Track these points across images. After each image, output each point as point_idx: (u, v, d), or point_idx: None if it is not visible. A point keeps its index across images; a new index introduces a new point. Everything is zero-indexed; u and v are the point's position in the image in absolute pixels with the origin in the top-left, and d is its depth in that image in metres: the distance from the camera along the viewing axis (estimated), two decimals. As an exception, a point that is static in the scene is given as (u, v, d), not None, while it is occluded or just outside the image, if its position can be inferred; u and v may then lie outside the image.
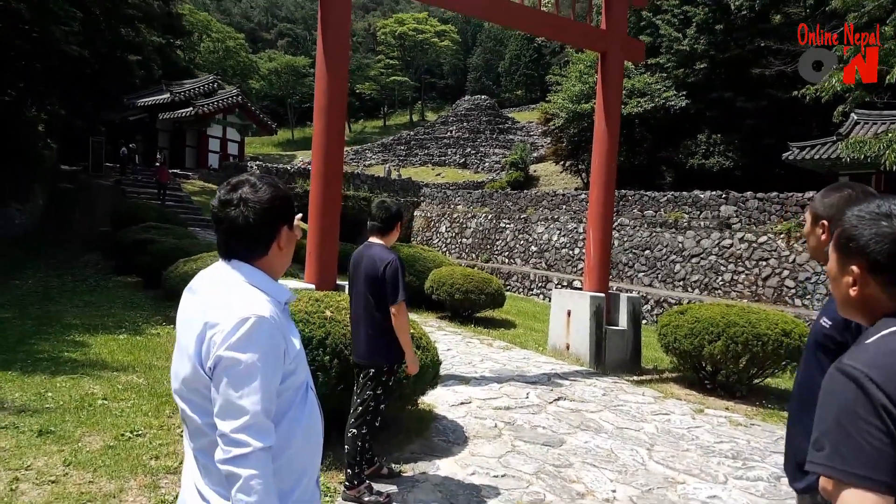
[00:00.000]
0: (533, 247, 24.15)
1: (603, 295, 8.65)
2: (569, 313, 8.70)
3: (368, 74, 61.07)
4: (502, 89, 65.71)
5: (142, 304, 9.90)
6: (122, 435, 4.54)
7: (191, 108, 26.95)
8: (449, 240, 28.35)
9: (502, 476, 4.48)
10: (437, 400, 6.12)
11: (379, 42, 64.79)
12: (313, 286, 6.24)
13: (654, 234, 18.93)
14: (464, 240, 27.51)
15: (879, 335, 1.21)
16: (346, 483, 3.93)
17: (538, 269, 22.98)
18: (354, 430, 3.87)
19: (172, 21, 31.73)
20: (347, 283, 4.25)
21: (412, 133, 48.39)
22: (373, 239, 4.02)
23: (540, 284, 20.93)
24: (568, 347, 8.68)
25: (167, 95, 27.93)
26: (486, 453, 4.89)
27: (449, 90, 70.07)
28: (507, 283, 21.92)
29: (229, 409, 1.37)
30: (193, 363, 1.43)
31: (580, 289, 9.33)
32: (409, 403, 5.08)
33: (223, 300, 1.46)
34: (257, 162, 29.70)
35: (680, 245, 17.95)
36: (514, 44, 62.89)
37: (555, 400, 6.53)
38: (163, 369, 6.38)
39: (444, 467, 4.54)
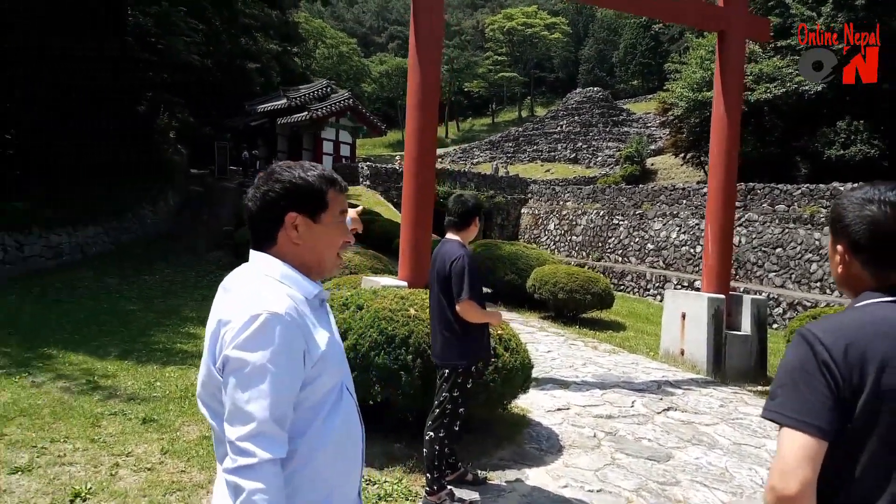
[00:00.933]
0: (649, 244, 22.98)
1: (723, 296, 7.90)
2: (683, 316, 8.03)
3: (476, 72, 61.16)
4: (616, 80, 63.50)
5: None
6: (218, 427, 4.60)
7: (306, 113, 28.06)
8: (557, 237, 27.64)
9: (598, 491, 4.08)
10: (533, 404, 5.77)
11: (487, 39, 64.68)
12: (406, 283, 6.11)
13: (787, 230, 17.35)
14: (573, 237, 26.71)
15: (851, 307, 1.38)
16: (427, 488, 3.73)
17: (655, 268, 21.80)
18: (431, 434, 3.67)
19: (289, 29, 33.29)
20: (429, 282, 4.06)
21: (520, 129, 47.81)
22: (449, 235, 3.83)
23: (657, 285, 19.81)
24: (682, 353, 8.00)
25: (284, 101, 29.26)
26: (582, 465, 4.50)
27: (559, 84, 68.62)
28: (620, 283, 21.00)
29: (236, 414, 1.25)
30: (208, 364, 1.34)
31: (700, 289, 8.60)
32: (498, 407, 4.78)
33: (239, 295, 1.35)
34: (367, 163, 30.46)
35: (817, 243, 16.31)
36: (629, 32, 60.56)
37: (664, 410, 5.97)
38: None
39: (534, 477, 4.20)
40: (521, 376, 4.57)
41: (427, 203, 6.51)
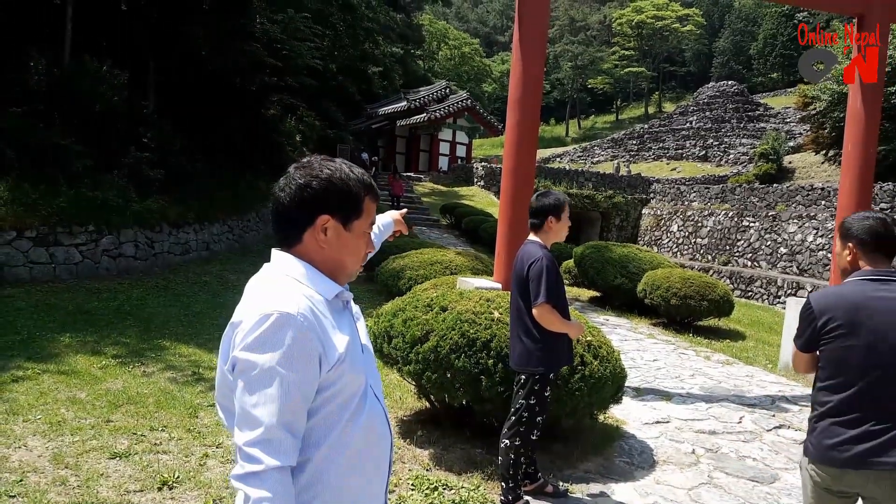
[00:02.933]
0: (782, 248, 21.31)
1: (854, 307, 7.15)
2: (807, 327, 7.36)
3: (601, 68, 59.58)
4: (754, 73, 59.43)
5: (361, 296, 10.69)
6: (307, 420, 4.82)
7: (424, 115, 28.71)
8: (681, 240, 26.30)
9: (688, 513, 3.85)
10: (629, 416, 5.55)
11: (614, 34, 62.77)
12: (500, 286, 6.08)
13: (944, 234, 15.39)
14: (698, 240, 25.29)
15: (844, 281, 2.40)
16: (502, 497, 3.69)
17: (788, 273, 20.20)
18: (507, 441, 3.60)
19: (412, 32, 34.11)
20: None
21: (645, 126, 45.94)
22: (531, 236, 3.71)
23: (789, 291, 18.32)
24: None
25: (404, 103, 30.12)
26: (675, 482, 4.26)
27: (691, 78, 65.26)
28: (748, 289, 19.65)
29: (244, 418, 1.20)
30: (221, 367, 1.31)
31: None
32: (585, 417, 4.63)
33: (253, 295, 1.30)
34: (482, 163, 30.61)
35: (981, 248, 14.31)
36: (769, 22, 56.42)
37: (774, 427, 5.52)
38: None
39: (620, 493, 4.03)
40: (611, 387, 4.39)
41: (525, 201, 6.42)
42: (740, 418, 5.70)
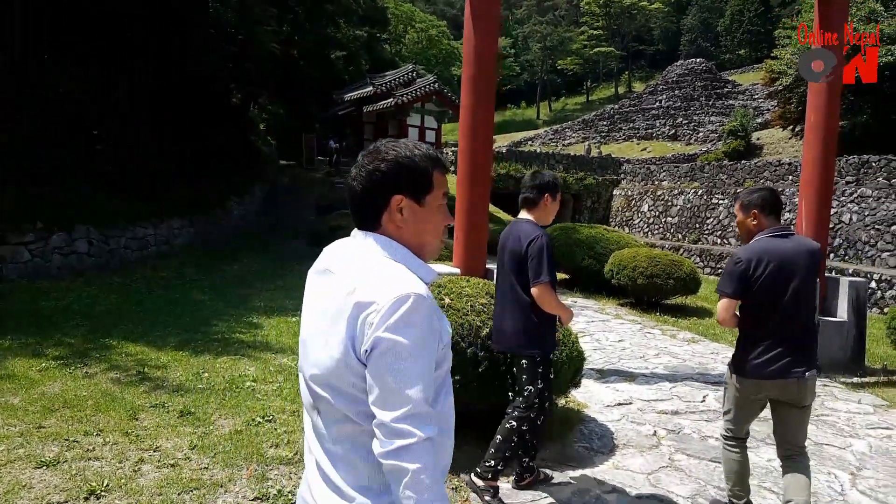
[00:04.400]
0: (751, 224, 21.42)
1: (817, 280, 7.12)
2: (771, 302, 7.33)
3: (570, 49, 59.36)
4: (722, 50, 59.74)
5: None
6: (253, 420, 4.60)
7: (391, 99, 28.23)
8: (651, 220, 26.39)
9: (647, 497, 3.73)
10: (591, 398, 5.43)
11: (583, 13, 62.55)
12: (458, 271, 5.91)
13: (906, 205, 15.62)
14: (669, 219, 25.40)
15: (754, 239, 3.24)
16: (479, 471, 3.50)
17: (755, 248, 20.31)
18: (514, 423, 3.46)
19: (377, 14, 33.43)
20: (496, 265, 3.82)
21: (616, 106, 45.92)
22: (522, 214, 3.60)
23: (757, 266, 18.43)
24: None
25: (370, 88, 29.59)
26: (635, 467, 4.14)
27: (660, 57, 65.37)
28: (718, 266, 19.75)
29: (389, 396, 1.23)
30: (344, 347, 1.29)
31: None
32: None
33: (372, 277, 1.31)
34: (451, 148, 30.32)
35: (941, 218, 14.58)
36: (734, -2, 56.71)
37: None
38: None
39: (577, 481, 3.90)
40: (567, 371, 4.25)
41: (483, 183, 6.25)
42: (704, 397, 5.62)
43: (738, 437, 3.39)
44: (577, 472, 4.02)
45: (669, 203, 25.64)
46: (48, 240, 11.36)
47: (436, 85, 30.26)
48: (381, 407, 1.23)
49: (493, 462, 3.47)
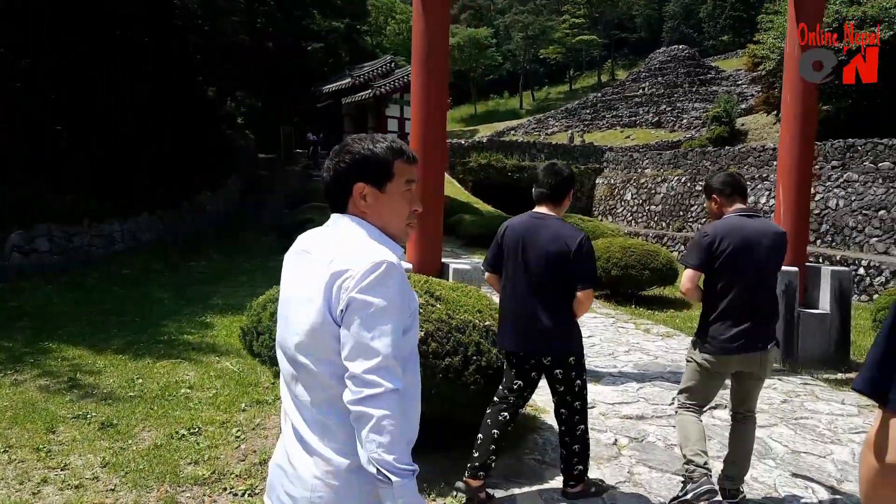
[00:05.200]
0: (734, 210, 21.15)
1: (795, 269, 6.73)
2: (748, 292, 6.95)
3: (552, 37, 58.77)
4: (705, 36, 59.43)
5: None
6: (177, 433, 4.17)
7: (369, 91, 27.70)
8: (635, 208, 26.07)
9: (598, 522, 3.31)
10: (550, 402, 4.99)
11: (564, 1, 62.01)
12: (410, 266, 5.48)
13: (892, 190, 15.35)
14: (652, 207, 25.08)
15: (721, 220, 3.39)
16: (572, 483, 3.48)
17: (739, 235, 20.04)
18: (583, 427, 3.48)
19: (355, 6, 32.75)
20: (495, 259, 3.53)
21: (598, 95, 45.55)
22: (543, 210, 3.41)
23: (741, 253, 18.14)
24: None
25: (348, 80, 29.03)
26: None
27: (642, 44, 64.93)
28: (700, 252, 19.46)
29: (361, 350, 1.33)
30: (323, 312, 1.39)
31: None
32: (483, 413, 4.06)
33: (347, 248, 1.44)
34: (434, 137, 29.82)
35: (926, 202, 14.32)
36: (717, -16, 56.33)
37: (710, 408, 5.02)
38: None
39: (522, 500, 3.49)
40: (512, 377, 3.81)
41: (438, 175, 5.82)
42: (673, 399, 5.20)
43: (699, 406, 3.55)
44: (524, 490, 3.60)
45: (653, 191, 25.32)
46: (5, 239, 10.87)
47: (414, 75, 29.70)
48: (351, 360, 1.33)
49: (583, 467, 3.47)
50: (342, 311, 1.35)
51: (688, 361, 3.56)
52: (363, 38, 40.69)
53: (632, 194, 26.50)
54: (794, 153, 6.99)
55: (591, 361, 6.26)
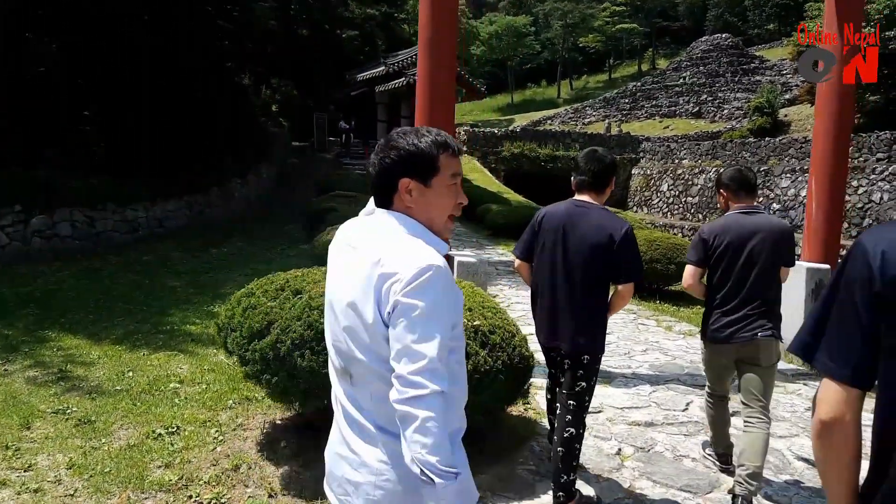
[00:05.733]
0: (775, 204, 20.49)
1: (827, 267, 6.34)
2: (777, 291, 6.56)
3: (592, 26, 57.57)
4: (749, 25, 57.48)
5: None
6: (154, 431, 4.04)
7: (402, 79, 27.45)
8: (671, 199, 25.38)
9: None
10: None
11: (605, -11, 60.64)
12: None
13: (941, 183, 14.51)
14: (689, 199, 24.38)
15: (724, 215, 3.56)
16: (563, 495, 3.19)
17: (778, 230, 19.33)
18: (573, 430, 3.19)
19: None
20: (527, 246, 3.39)
21: (638, 84, 44.43)
22: (584, 198, 3.24)
23: (779, 249, 17.48)
24: (773, 337, 6.54)
25: (382, 68, 28.82)
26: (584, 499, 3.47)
27: (685, 33, 63.15)
28: (736, 247, 18.82)
29: (406, 352, 1.35)
30: (374, 312, 1.42)
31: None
32: (477, 418, 3.83)
33: (396, 250, 1.45)
34: (464, 128, 29.53)
35: (980, 197, 13.51)
36: (764, -30, 54.31)
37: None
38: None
39: (510, 516, 3.26)
40: (503, 382, 3.54)
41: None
42: (687, 404, 4.91)
43: (717, 395, 3.76)
44: (513, 504, 3.37)
45: (690, 182, 24.61)
46: (28, 222, 11.03)
47: (447, 63, 29.38)
48: (398, 361, 1.36)
49: (567, 477, 3.19)
50: (389, 313, 1.39)
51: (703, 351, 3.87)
52: (400, 25, 40.44)
53: (668, 185, 25.81)
54: (829, 145, 6.58)
55: (605, 361, 5.90)
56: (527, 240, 3.39)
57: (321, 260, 8.39)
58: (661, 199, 26.09)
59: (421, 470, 1.29)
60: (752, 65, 41.20)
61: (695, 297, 3.87)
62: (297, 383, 3.26)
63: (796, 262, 6.73)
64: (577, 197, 3.27)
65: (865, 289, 1.14)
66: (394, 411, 1.37)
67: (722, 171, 3.69)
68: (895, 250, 1.12)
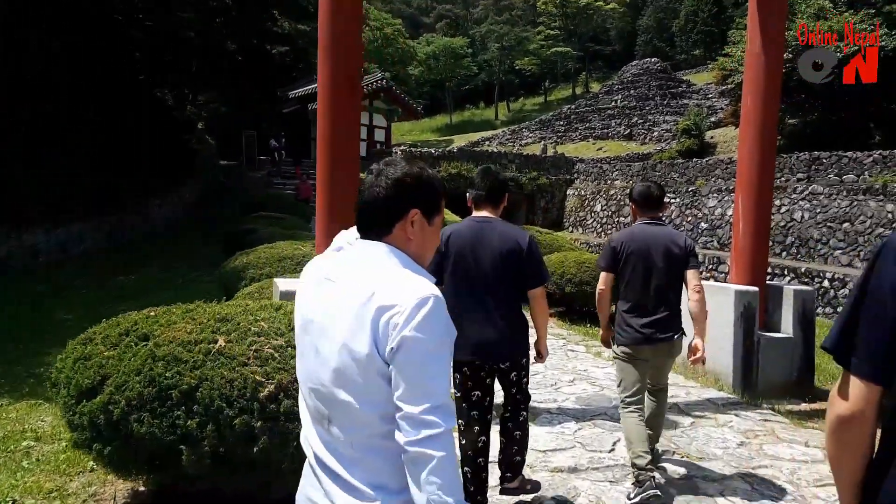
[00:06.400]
0: (703, 223, 20.96)
1: (755, 289, 6.12)
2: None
3: (528, 48, 58.61)
4: (677, 50, 59.70)
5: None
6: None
7: (335, 97, 26.94)
8: (605, 219, 25.64)
9: None
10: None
11: (539, 13, 61.91)
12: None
13: (856, 202, 15.05)
14: (621, 219, 24.65)
15: (629, 227, 3.93)
16: (509, 475, 3.51)
17: (708, 248, 19.78)
18: (523, 430, 3.47)
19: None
20: (438, 268, 3.20)
21: (572, 107, 45.27)
22: (484, 213, 3.35)
23: (710, 267, 17.76)
24: (703, 363, 6.26)
25: (315, 85, 28.22)
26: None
27: (616, 57, 65.10)
28: (668, 266, 19.01)
29: (417, 389, 1.28)
30: (369, 349, 1.31)
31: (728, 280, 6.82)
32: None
33: (390, 281, 1.35)
34: (401, 147, 29.17)
35: (889, 215, 14.09)
36: (690, -1, 56.65)
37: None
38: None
39: None
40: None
41: (347, 185, 5.07)
42: (614, 443, 4.49)
43: (635, 400, 3.75)
44: None
45: (622, 202, 24.89)
46: None
47: (384, 81, 29.08)
48: (406, 400, 1.28)
49: (520, 458, 3.51)
50: (392, 349, 1.30)
51: (613, 359, 4.00)
52: (333, 44, 39.89)
53: (602, 206, 26.08)
54: (755, 164, 6.42)
55: (532, 394, 5.54)
56: (437, 261, 3.23)
57: (228, 288, 7.67)
58: (594, 220, 26.33)
59: None
60: (680, 88, 42.65)
61: (600, 311, 3.96)
62: (135, 454, 2.64)
63: (725, 284, 6.58)
64: (476, 213, 3.37)
65: (894, 287, 1.15)
66: (382, 463, 1.33)
67: (633, 187, 3.95)
68: None
